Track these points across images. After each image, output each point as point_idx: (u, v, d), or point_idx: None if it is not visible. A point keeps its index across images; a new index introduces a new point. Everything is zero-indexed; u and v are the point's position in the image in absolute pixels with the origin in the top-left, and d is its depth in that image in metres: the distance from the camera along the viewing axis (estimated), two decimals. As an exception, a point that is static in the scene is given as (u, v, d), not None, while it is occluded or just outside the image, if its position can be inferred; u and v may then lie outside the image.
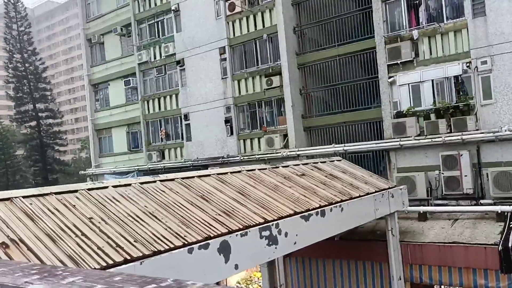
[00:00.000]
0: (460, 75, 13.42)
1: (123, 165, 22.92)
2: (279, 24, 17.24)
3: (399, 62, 14.30)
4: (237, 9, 18.31)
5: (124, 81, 22.77)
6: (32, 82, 47.26)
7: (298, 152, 16.10)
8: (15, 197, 5.18)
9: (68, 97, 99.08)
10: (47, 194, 5.49)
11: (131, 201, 6.15)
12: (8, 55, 47.66)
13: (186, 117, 20.27)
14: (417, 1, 14.47)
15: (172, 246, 5.27)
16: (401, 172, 13.78)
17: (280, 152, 16.57)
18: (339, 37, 16.81)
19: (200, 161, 19.24)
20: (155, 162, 21.52)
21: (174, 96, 21.15)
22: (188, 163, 19.70)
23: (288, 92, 17.01)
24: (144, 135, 22.25)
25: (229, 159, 18.24)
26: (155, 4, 21.69)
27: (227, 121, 18.77)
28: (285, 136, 17.20)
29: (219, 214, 6.61)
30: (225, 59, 18.91)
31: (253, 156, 17.45)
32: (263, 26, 17.97)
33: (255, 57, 18.34)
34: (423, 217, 12.28)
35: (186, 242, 5.44)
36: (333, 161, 12.51)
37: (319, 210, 7.93)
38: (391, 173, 14.11)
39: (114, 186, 6.36)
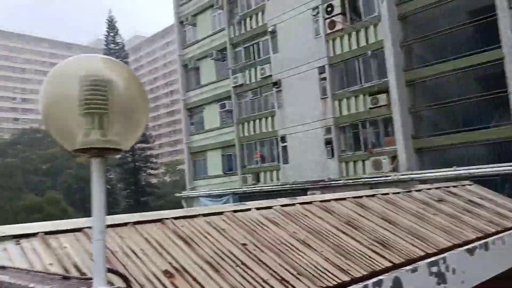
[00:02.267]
0: None
1: (218, 188, 22.88)
2: (385, 39, 16.22)
3: (535, 73, 12.55)
4: (338, 27, 17.63)
5: (220, 104, 22.96)
6: (129, 108, 50.17)
7: (411, 176, 14.68)
8: (166, 219, 4.74)
9: (166, 120, 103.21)
10: (195, 216, 4.99)
11: (278, 225, 5.48)
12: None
13: (282, 139, 19.74)
14: (555, 4, 12.71)
15: (340, 281, 4.45)
16: (544, 200, 11.79)
17: (390, 176, 15.27)
18: (453, 51, 15.35)
19: (299, 185, 18.46)
20: (250, 185, 21.16)
21: (270, 118, 20.80)
22: (286, 186, 19.03)
23: (397, 111, 15.78)
24: (239, 158, 22.07)
25: (331, 182, 17.25)
26: (251, 27, 21.78)
27: (328, 142, 17.89)
28: (394, 158, 15.89)
29: (373, 244, 5.70)
30: (324, 79, 18.21)
31: (359, 180, 16.29)
32: (367, 42, 17.07)
33: (358, 75, 17.40)
34: None
35: (353, 278, 4.59)
36: (465, 185, 11.02)
37: (482, 242, 6.67)
38: (530, 201, 12.16)
39: (257, 209, 5.75)
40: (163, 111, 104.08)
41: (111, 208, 48.42)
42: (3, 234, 3.58)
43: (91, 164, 1.70)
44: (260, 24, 21.21)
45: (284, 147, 19.71)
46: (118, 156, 53.24)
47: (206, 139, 24.06)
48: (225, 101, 22.54)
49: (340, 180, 17.10)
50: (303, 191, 17.79)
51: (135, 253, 3.91)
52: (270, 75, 20.34)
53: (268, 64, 20.52)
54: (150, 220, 4.60)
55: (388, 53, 16.15)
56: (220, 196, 22.32)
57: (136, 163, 47.64)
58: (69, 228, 3.93)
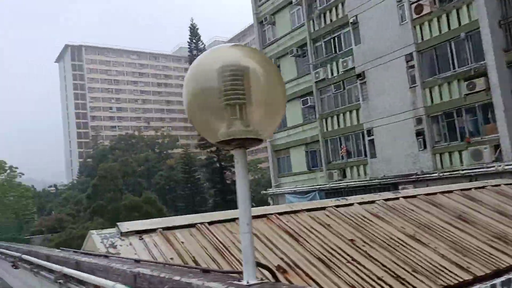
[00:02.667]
0: None
1: (303, 185, 22.76)
2: (481, 18, 14.91)
3: None
4: (426, 10, 16.57)
5: (301, 100, 22.80)
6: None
7: (519, 166, 13.34)
8: (271, 214, 4.75)
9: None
10: (299, 211, 4.94)
11: (383, 220, 5.24)
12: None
13: (369, 132, 19.05)
14: None
15: (461, 280, 4.11)
16: None
17: (493, 166, 14.01)
18: None
19: (388, 179, 17.70)
20: (336, 181, 20.73)
21: (354, 111, 20.20)
22: (374, 181, 18.35)
23: (498, 96, 14.44)
24: (323, 154, 21.74)
25: (425, 176, 16.28)
26: (331, 20, 21.32)
27: (419, 133, 16.90)
28: (497, 147, 14.56)
29: (492, 240, 5.22)
30: (412, 67, 17.22)
31: (456, 172, 15.18)
32: (459, 24, 15.82)
33: (450, 60, 16.21)
34: None
35: (475, 276, 4.22)
36: None
37: None
38: None
39: (360, 203, 5.56)
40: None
41: (200, 206, 50.50)
42: (127, 230, 3.82)
43: (234, 155, 1.69)
44: (340, 16, 20.67)
45: (371, 141, 19.01)
46: (205, 156, 55.10)
47: (289, 136, 24.03)
48: (307, 97, 22.33)
49: (434, 173, 16.08)
50: (394, 186, 17.01)
51: (247, 248, 3.96)
52: (353, 68, 19.73)
53: (351, 56, 19.92)
54: (256, 216, 4.64)
55: (485, 33, 14.83)
56: (306, 192, 22.17)
57: (222, 163, 49.19)
58: (183, 224, 4.09)
